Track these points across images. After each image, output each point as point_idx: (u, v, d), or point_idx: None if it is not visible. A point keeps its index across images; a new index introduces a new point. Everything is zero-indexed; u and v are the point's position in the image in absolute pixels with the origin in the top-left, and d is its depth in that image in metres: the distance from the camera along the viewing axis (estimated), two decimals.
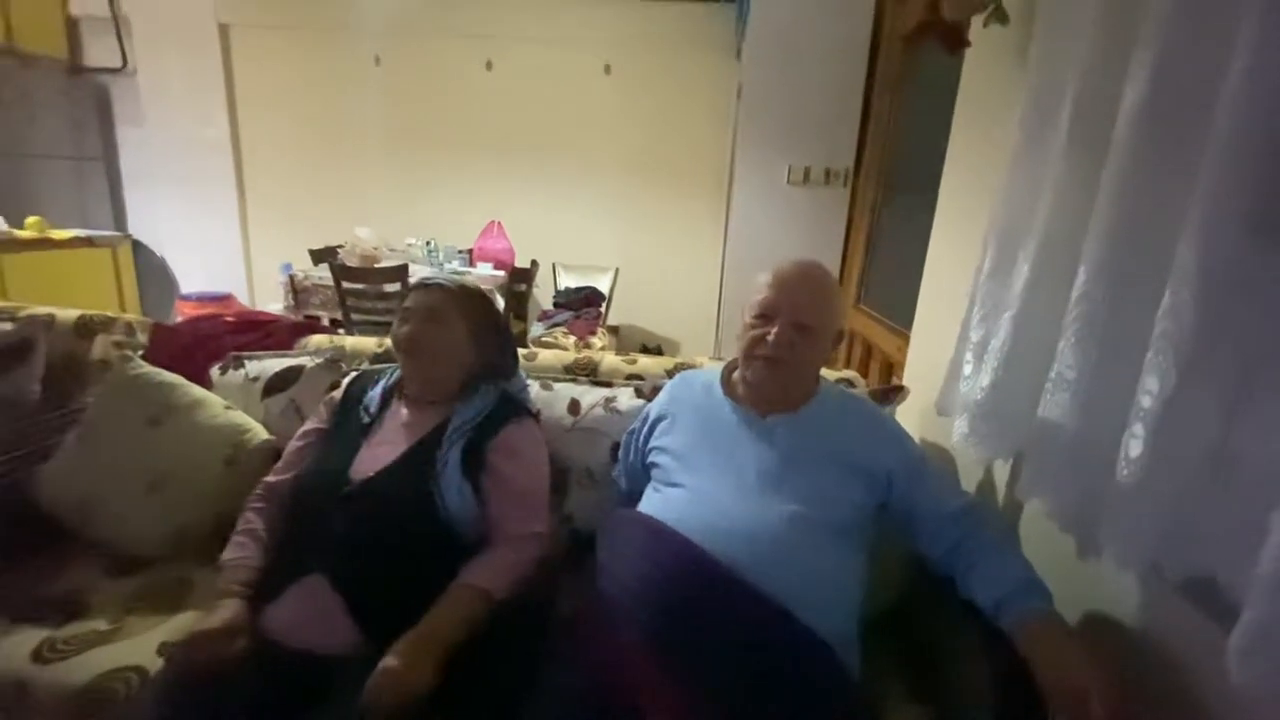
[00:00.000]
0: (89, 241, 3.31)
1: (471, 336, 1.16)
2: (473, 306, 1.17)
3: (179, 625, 1.08)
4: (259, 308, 4.43)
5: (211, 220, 4.38)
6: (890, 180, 2.34)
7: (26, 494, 1.25)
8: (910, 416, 1.38)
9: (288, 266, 4.24)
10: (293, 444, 1.17)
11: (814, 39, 2.58)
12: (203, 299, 4.29)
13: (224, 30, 4.09)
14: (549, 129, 4.07)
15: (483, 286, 1.23)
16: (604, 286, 3.77)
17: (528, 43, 3.97)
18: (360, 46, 4.06)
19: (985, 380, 1.02)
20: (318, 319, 3.23)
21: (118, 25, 4.07)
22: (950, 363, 1.15)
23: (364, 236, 3.69)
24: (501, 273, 3.64)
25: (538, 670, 0.89)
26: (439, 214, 4.10)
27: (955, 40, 1.29)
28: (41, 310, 1.61)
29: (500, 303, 2.89)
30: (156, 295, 4.30)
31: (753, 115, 2.73)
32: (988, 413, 1.01)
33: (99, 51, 4.15)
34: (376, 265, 3.28)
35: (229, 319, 1.54)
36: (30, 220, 3.12)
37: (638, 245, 4.11)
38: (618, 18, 3.87)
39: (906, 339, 1.79)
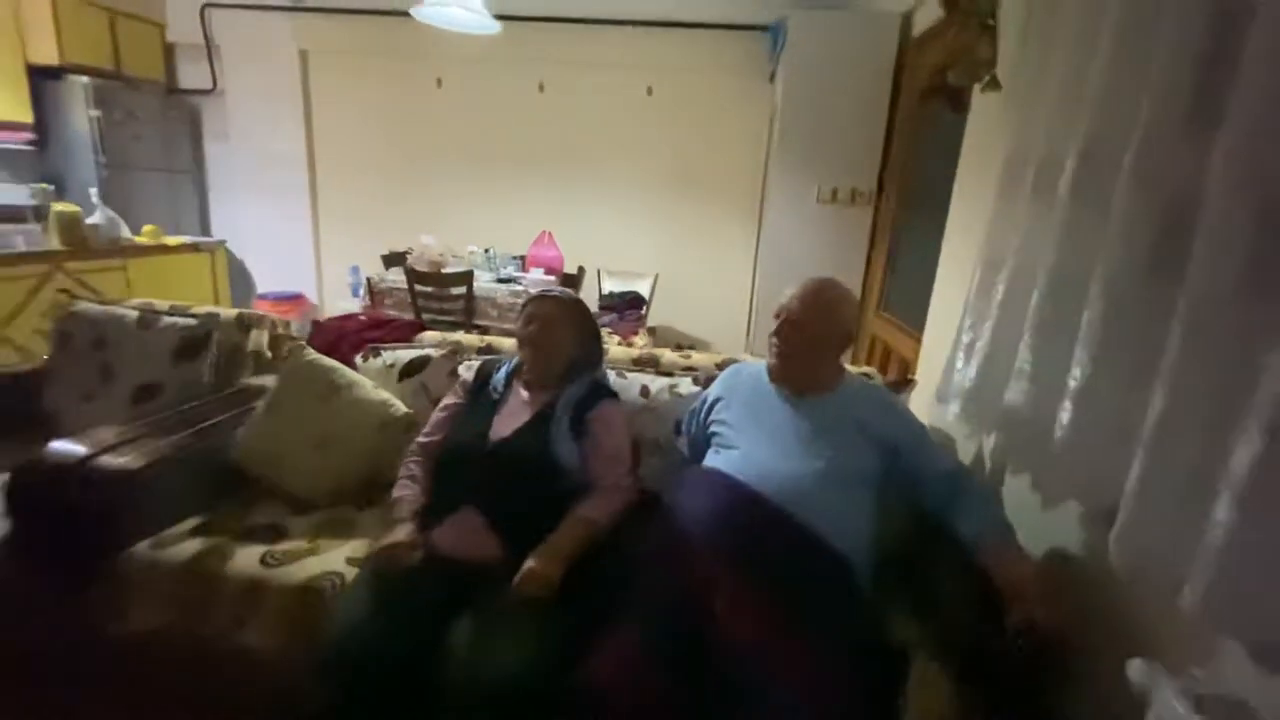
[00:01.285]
0: (194, 247, 3.75)
1: (575, 337, 1.51)
2: (578, 314, 1.52)
3: (355, 547, 1.43)
4: (328, 306, 4.86)
5: (286, 227, 4.82)
6: (909, 202, 2.64)
7: (225, 452, 1.63)
8: (921, 402, 1.69)
9: (355, 269, 4.65)
10: (436, 414, 1.53)
11: (843, 71, 2.88)
12: (278, 298, 4.74)
13: (303, 55, 4.53)
14: (595, 146, 4.43)
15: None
16: (644, 291, 4.11)
17: (577, 66, 4.33)
18: (424, 70, 4.46)
19: (972, 373, 1.34)
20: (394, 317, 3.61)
21: (209, 51, 4.53)
22: (947, 360, 1.47)
23: (428, 243, 4.07)
24: (552, 278, 3.99)
25: (631, 575, 1.23)
26: (495, 223, 4.48)
27: (958, 103, 1.61)
28: (208, 308, 2.00)
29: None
30: (238, 294, 4.75)
31: (786, 139, 3.04)
32: (973, 397, 1.33)
33: (192, 75, 4.62)
34: (443, 270, 3.66)
35: (362, 318, 1.92)
36: (147, 228, 3.57)
37: (676, 253, 4.45)
38: (660, 44, 4.21)
39: (919, 340, 2.10)
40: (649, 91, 4.32)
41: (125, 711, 1.42)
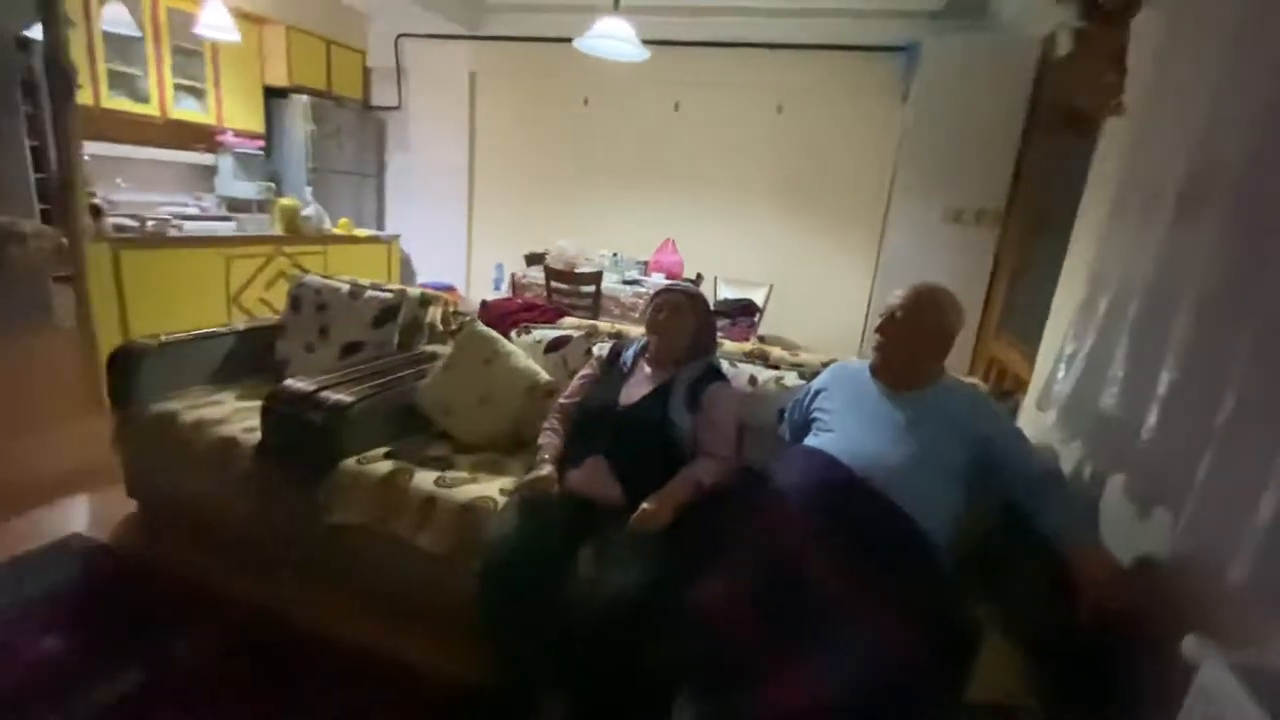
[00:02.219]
0: (376, 239, 4.44)
1: (695, 325, 1.75)
2: (699, 306, 1.76)
3: (505, 482, 1.75)
4: (475, 297, 5.46)
5: (445, 226, 5.49)
6: (1037, 225, 2.63)
7: (409, 398, 2.02)
8: (1029, 415, 1.75)
9: (499, 266, 5.20)
10: (575, 381, 1.83)
11: (977, 93, 2.91)
12: (435, 287, 5.39)
13: (472, 77, 5.17)
14: (724, 160, 4.68)
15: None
16: (759, 299, 4.27)
17: (711, 87, 4.60)
18: (573, 90, 4.93)
19: (1071, 383, 1.42)
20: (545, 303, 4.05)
21: (399, 74, 5.30)
22: (1049, 371, 1.54)
23: (564, 246, 4.50)
24: (671, 283, 4.27)
25: (728, 530, 1.43)
26: (624, 229, 4.85)
27: (1084, 127, 1.67)
28: (399, 286, 2.46)
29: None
30: (403, 281, 5.47)
31: (914, 158, 3.11)
32: (1070, 405, 1.41)
33: (383, 94, 5.42)
34: (576, 270, 4.05)
35: (519, 302, 2.28)
36: (342, 221, 4.28)
37: (793, 266, 4.57)
38: (792, 65, 4.38)
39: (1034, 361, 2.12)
40: (779, 110, 4.50)
41: (330, 590, 1.83)
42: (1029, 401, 1.75)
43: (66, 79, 2.61)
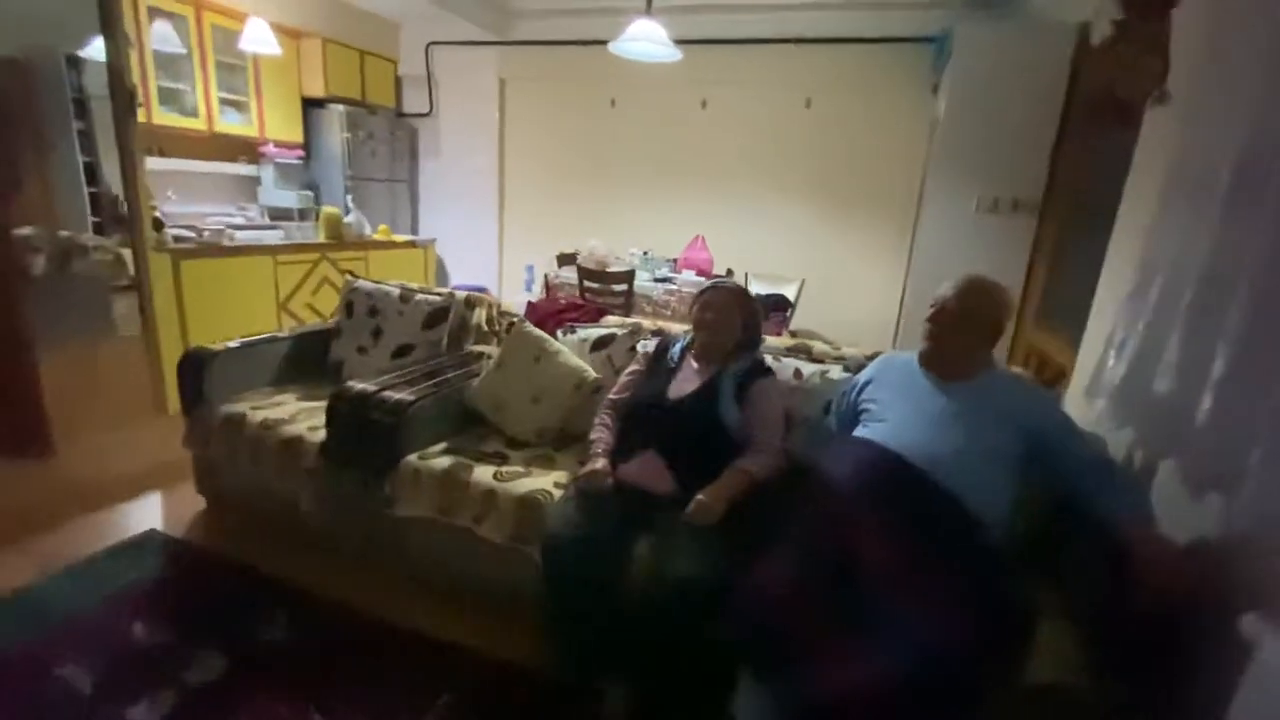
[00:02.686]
0: (413, 244, 4.55)
1: (741, 321, 1.79)
2: (745, 303, 1.80)
3: (558, 476, 1.81)
4: (507, 299, 5.57)
5: (476, 229, 5.60)
6: (1076, 214, 2.61)
7: (461, 397, 2.10)
8: (1073, 404, 1.76)
9: (530, 268, 5.30)
10: (624, 378, 1.89)
11: (1011, 81, 2.88)
12: (468, 289, 5.51)
13: (501, 83, 5.26)
14: (752, 156, 4.70)
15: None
16: (790, 294, 4.29)
17: (739, 84, 4.62)
18: (600, 92, 4.99)
19: (1122, 369, 1.43)
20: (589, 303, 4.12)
21: (430, 82, 5.41)
22: (1099, 359, 1.55)
23: (595, 246, 4.57)
24: (702, 279, 4.31)
25: (779, 519, 1.47)
26: (654, 228, 4.91)
27: (1126, 117, 1.67)
28: (447, 289, 2.54)
29: None
30: (438, 284, 5.60)
31: (947, 148, 3.09)
32: (1121, 391, 1.42)
33: (414, 101, 5.54)
34: (608, 269, 4.11)
35: (563, 302, 2.34)
36: (381, 227, 4.40)
37: (824, 260, 4.58)
38: (821, 58, 4.38)
39: (1076, 350, 2.12)
40: (807, 104, 4.51)
41: (395, 579, 1.92)
42: (1075, 389, 1.76)
43: (129, 97, 2.74)
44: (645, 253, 4.53)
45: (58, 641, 1.65)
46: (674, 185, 4.97)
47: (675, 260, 4.58)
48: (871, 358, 1.93)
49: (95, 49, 2.95)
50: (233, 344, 2.29)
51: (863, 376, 1.72)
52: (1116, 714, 1.22)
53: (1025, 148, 2.92)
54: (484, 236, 5.59)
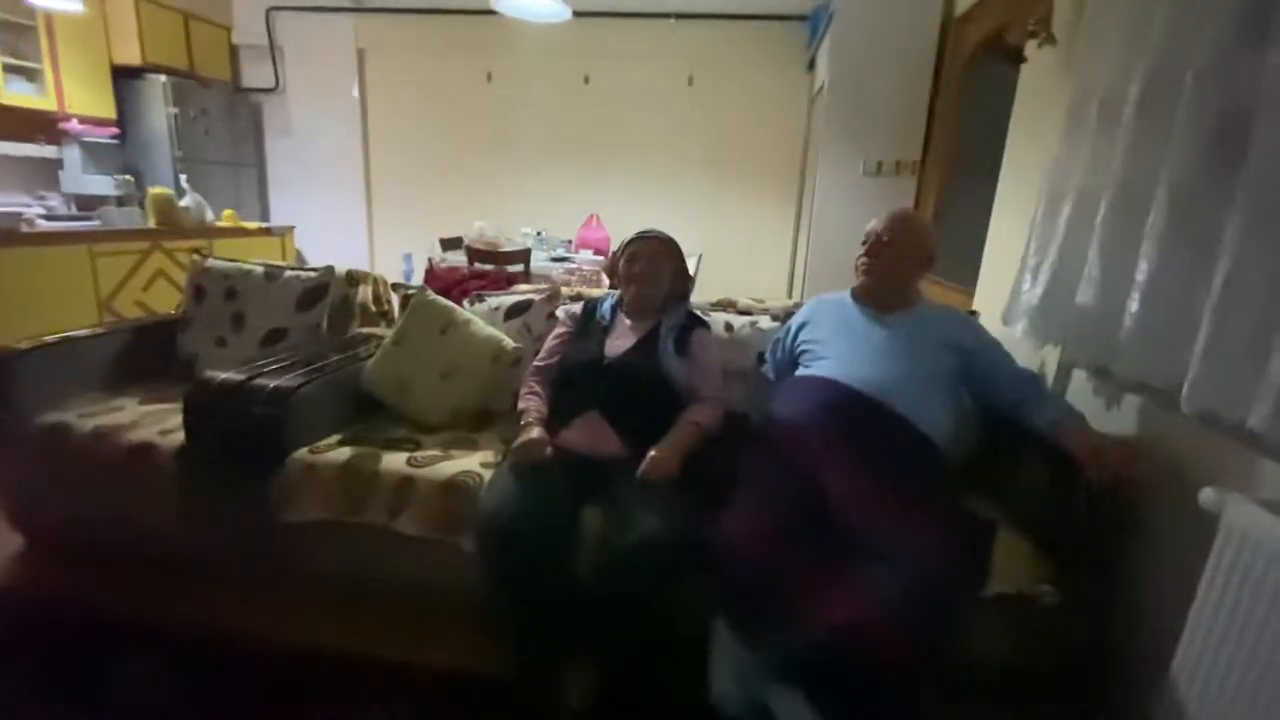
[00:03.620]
0: (267, 231, 4.00)
1: (672, 271, 1.69)
2: (674, 252, 1.70)
3: (484, 456, 1.61)
4: None
5: (341, 216, 5.07)
6: (954, 167, 2.80)
7: (355, 382, 1.82)
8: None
9: (408, 257, 4.88)
10: (550, 343, 1.72)
11: (887, 51, 3.04)
12: None
13: (360, 54, 4.78)
14: (639, 133, 4.63)
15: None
16: (690, 267, 4.28)
17: (620, 59, 4.54)
18: (474, 65, 4.69)
19: (1039, 291, 1.49)
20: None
21: (273, 52, 4.81)
22: (1013, 285, 1.62)
23: (483, 227, 4.28)
24: (600, 257, 4.18)
25: (736, 465, 1.39)
26: (544, 209, 4.69)
27: (1015, 58, 1.77)
28: (322, 265, 2.21)
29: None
30: None
31: (833, 117, 3.21)
32: (1041, 311, 1.48)
33: (256, 75, 4.90)
34: (501, 250, 3.86)
35: (465, 271, 2.11)
36: (226, 213, 3.82)
37: (717, 232, 4.62)
38: (700, 36, 4.41)
39: (968, 296, 2.25)
40: (690, 81, 4.52)
41: (295, 597, 1.61)
42: (986, 321, 1.84)
43: None
44: (539, 233, 4.33)
45: None
46: (561, 164, 4.79)
47: (570, 241, 4.41)
48: (798, 305, 1.91)
49: None
50: (43, 341, 1.83)
51: (796, 320, 1.69)
52: (1072, 611, 1.26)
53: (902, 112, 3.09)
54: (350, 223, 5.08)
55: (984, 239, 2.17)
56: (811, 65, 4.16)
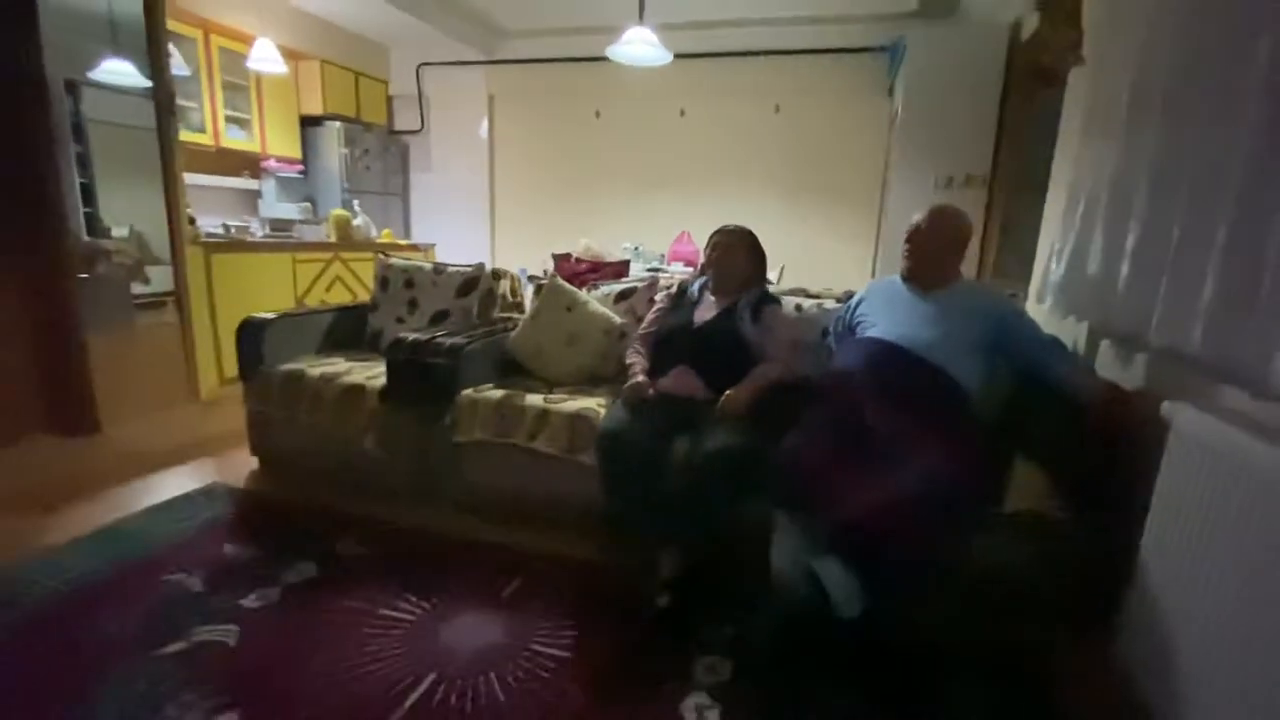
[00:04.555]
0: (416, 247, 4.79)
1: (747, 257, 2.11)
2: (748, 242, 2.12)
3: (598, 401, 2.08)
4: None
5: (469, 237, 5.85)
6: (1018, 181, 3.03)
7: (502, 350, 2.36)
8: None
9: (523, 271, 5.55)
10: (651, 315, 2.18)
11: (957, 75, 3.33)
12: None
13: (491, 100, 5.60)
14: (729, 157, 5.11)
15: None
16: (773, 278, 4.65)
17: (713, 93, 5.04)
18: (585, 105, 5.36)
19: (1061, 271, 1.78)
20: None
21: (420, 100, 5.72)
22: (1042, 269, 1.91)
23: (589, 243, 4.87)
24: (692, 268, 4.64)
25: (800, 407, 1.76)
26: (641, 227, 5.24)
27: (1052, 81, 2.06)
28: (476, 262, 2.80)
29: None
30: None
31: (908, 135, 3.52)
32: (1063, 287, 1.77)
33: (406, 119, 5.83)
34: (605, 262, 4.42)
35: (583, 265, 2.63)
36: (385, 231, 4.65)
37: (800, 245, 4.96)
38: (787, 69, 4.84)
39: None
40: (776, 109, 4.95)
41: (452, 504, 2.14)
42: (1029, 305, 2.12)
43: (170, 100, 2.97)
44: (636, 248, 4.86)
45: (160, 559, 1.83)
46: (657, 187, 5.34)
47: (664, 255, 4.92)
48: (851, 293, 2.27)
49: (104, 72, 3.08)
50: (285, 313, 2.51)
51: (855, 299, 2.05)
52: (1077, 527, 1.53)
53: (973, 131, 3.36)
54: (476, 242, 5.85)
55: None
56: (891, 91, 4.47)
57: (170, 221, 3.06)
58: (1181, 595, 1.18)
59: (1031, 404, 1.71)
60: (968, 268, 3.26)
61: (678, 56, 4.78)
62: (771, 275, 4.71)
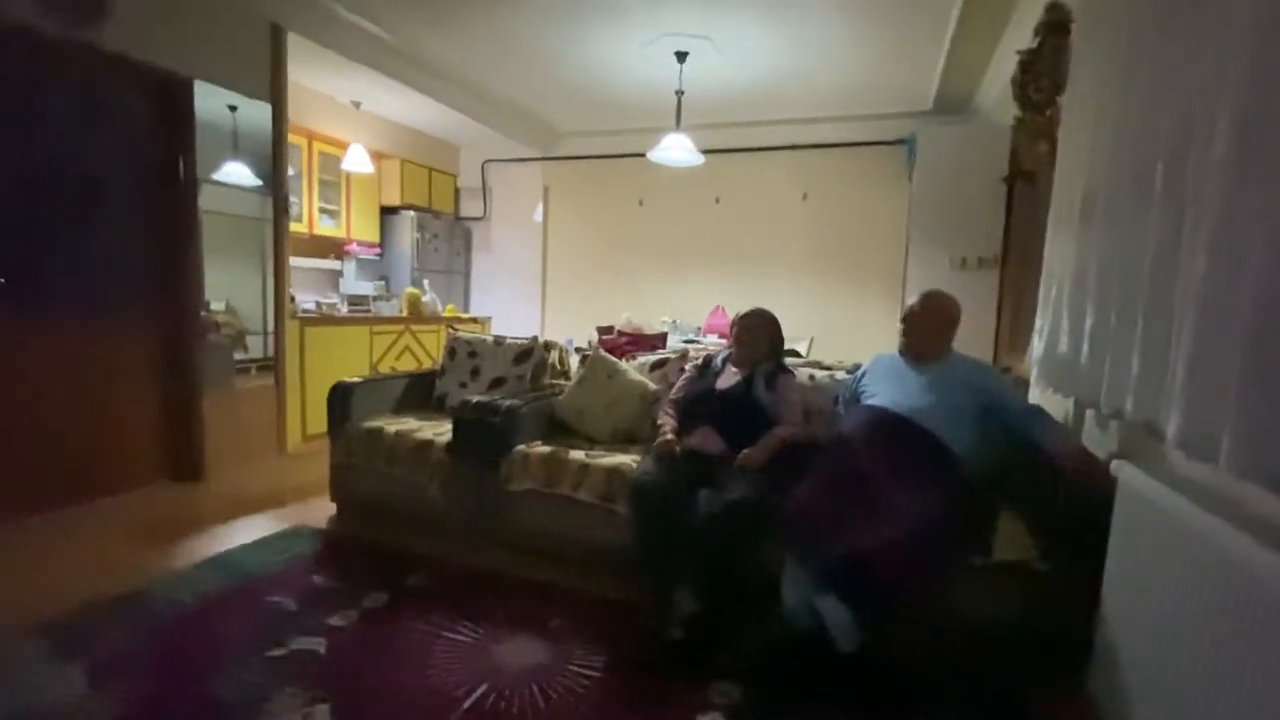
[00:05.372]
0: (475, 320, 5.31)
1: (767, 336, 2.42)
2: (770, 324, 2.43)
3: (633, 457, 2.37)
4: None
5: (522, 310, 6.38)
6: (1026, 262, 3.28)
7: (551, 411, 2.70)
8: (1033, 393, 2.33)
9: (570, 342, 5.99)
10: (680, 383, 2.49)
11: (968, 167, 3.67)
12: None
13: (546, 190, 6.25)
14: (760, 239, 5.52)
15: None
16: (802, 349, 4.92)
17: (745, 183, 5.53)
18: (629, 194, 5.93)
19: (1041, 348, 2.02)
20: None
21: (484, 191, 6.42)
22: (1029, 346, 2.15)
23: (630, 316, 5.28)
24: (724, 340, 4.97)
25: (806, 465, 2.01)
26: (679, 302, 5.64)
27: (1032, 182, 2.36)
28: (530, 336, 3.21)
29: None
30: None
31: (923, 222, 3.84)
32: (1042, 362, 2.01)
33: (470, 207, 6.53)
34: (644, 334, 4.80)
35: (624, 336, 2.99)
36: (449, 306, 5.18)
37: (827, 320, 5.25)
38: (814, 161, 5.29)
39: None
40: (804, 197, 5.38)
41: (505, 546, 2.43)
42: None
43: (285, 204, 3.58)
44: (674, 320, 5.25)
45: (261, 584, 2.17)
46: (694, 266, 5.78)
47: (700, 327, 5.28)
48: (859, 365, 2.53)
49: (224, 173, 3.69)
50: (367, 378, 2.94)
51: (860, 372, 2.32)
52: (1055, 576, 1.71)
53: (984, 216, 3.66)
54: (528, 314, 6.37)
55: None
56: (911, 177, 4.83)
57: (278, 298, 3.60)
58: (1137, 634, 1.35)
59: (1017, 464, 1.92)
60: (982, 342, 3.50)
61: (713, 152, 5.33)
62: (801, 347, 5.03)
